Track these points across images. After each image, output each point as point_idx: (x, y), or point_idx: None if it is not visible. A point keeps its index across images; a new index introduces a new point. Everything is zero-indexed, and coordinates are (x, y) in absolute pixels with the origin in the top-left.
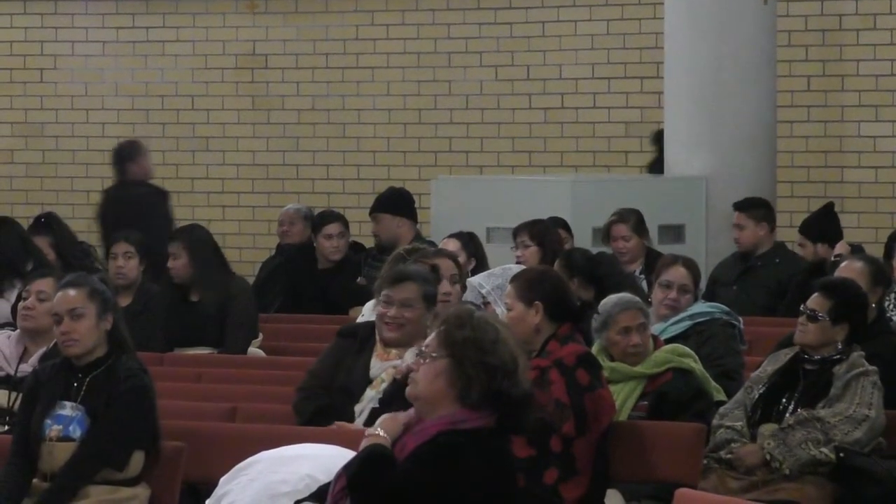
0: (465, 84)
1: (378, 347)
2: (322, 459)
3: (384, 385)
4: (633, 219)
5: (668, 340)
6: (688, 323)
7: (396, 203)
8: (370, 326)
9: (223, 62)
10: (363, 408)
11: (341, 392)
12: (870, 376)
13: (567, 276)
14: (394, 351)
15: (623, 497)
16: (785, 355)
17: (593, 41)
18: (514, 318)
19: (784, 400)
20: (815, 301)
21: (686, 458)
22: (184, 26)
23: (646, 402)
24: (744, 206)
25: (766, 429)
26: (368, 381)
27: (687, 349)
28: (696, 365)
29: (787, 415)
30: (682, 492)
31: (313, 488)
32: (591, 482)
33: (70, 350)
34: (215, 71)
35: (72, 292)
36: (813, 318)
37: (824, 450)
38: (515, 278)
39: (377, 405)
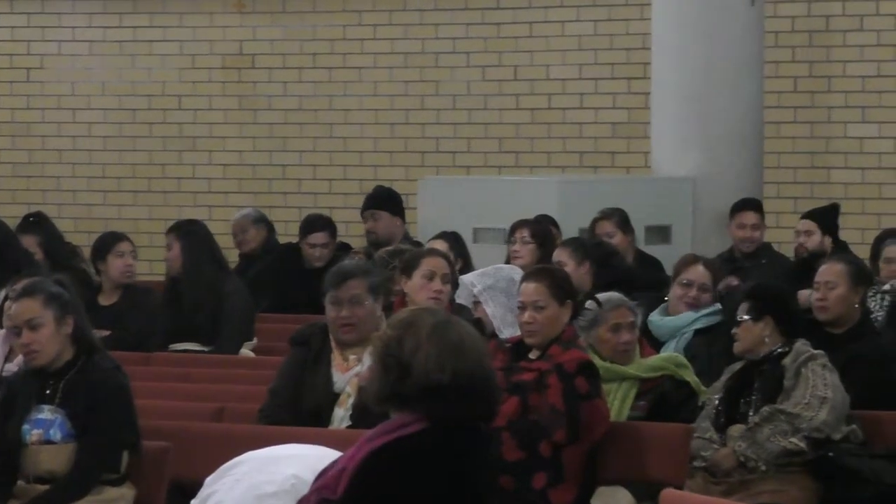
0: (452, 84)
1: (335, 356)
2: (308, 460)
3: (351, 400)
4: (617, 216)
5: (698, 332)
6: (719, 318)
7: (393, 201)
8: (323, 332)
9: (210, 62)
10: (336, 429)
11: (310, 416)
12: (817, 360)
13: (577, 260)
14: (352, 356)
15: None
16: (739, 363)
17: (580, 42)
18: (551, 317)
19: (744, 402)
20: (739, 309)
21: (673, 459)
22: (171, 26)
23: (644, 402)
24: (753, 205)
25: (734, 430)
26: (334, 398)
27: (683, 360)
28: (691, 377)
29: (751, 415)
30: (667, 492)
31: (299, 488)
32: (579, 490)
33: (34, 362)
34: (202, 71)
35: (27, 302)
36: (738, 323)
37: (793, 439)
38: (545, 275)
39: (349, 423)
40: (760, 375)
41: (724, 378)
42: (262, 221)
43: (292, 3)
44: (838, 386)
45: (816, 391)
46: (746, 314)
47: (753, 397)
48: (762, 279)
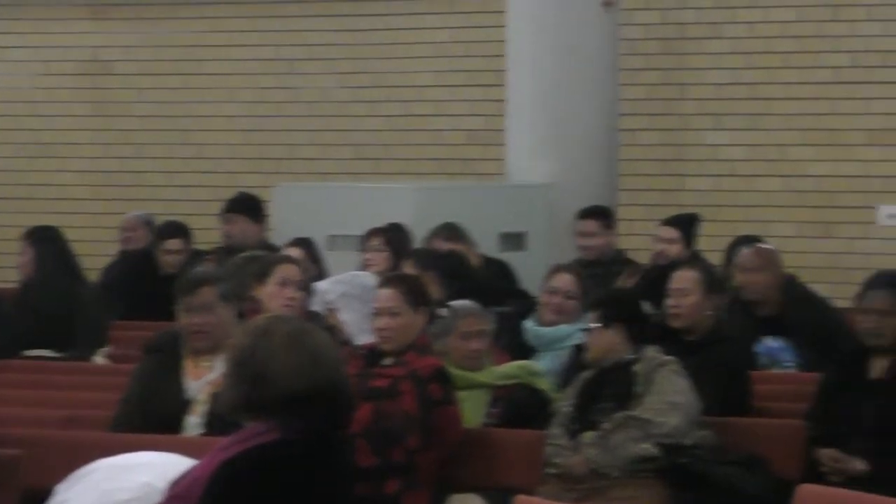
0: (308, 91)
1: (188, 363)
2: (161, 467)
3: (204, 407)
4: (445, 231)
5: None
6: None
7: (252, 207)
8: (176, 339)
9: (64, 68)
10: (189, 437)
11: (163, 423)
12: (668, 366)
13: (420, 271)
14: (205, 363)
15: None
16: (590, 371)
17: (437, 49)
18: (405, 323)
19: (596, 409)
20: (588, 317)
21: (526, 466)
22: (25, 32)
23: (497, 410)
24: (593, 213)
25: (587, 437)
26: (187, 405)
27: (537, 367)
28: (545, 384)
29: (603, 421)
30: (520, 499)
31: (152, 496)
32: (433, 496)
33: None
34: (57, 77)
35: None
36: (588, 331)
37: (645, 445)
38: (399, 282)
39: (203, 430)
40: (612, 382)
41: (575, 385)
42: (152, 225)
43: (148, 10)
44: (689, 391)
45: (668, 397)
46: (596, 322)
47: (605, 404)
48: (618, 286)
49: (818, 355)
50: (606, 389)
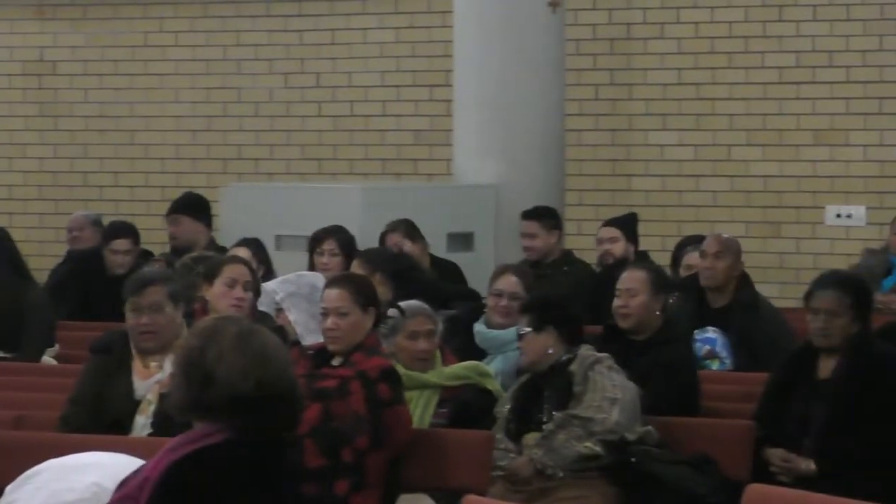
0: (254, 91)
1: (136, 363)
2: (110, 468)
3: (153, 407)
4: (403, 226)
5: None
6: None
7: (197, 207)
8: (124, 339)
9: (10, 69)
10: (137, 437)
11: (111, 424)
12: (603, 362)
13: (369, 272)
14: (153, 363)
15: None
16: (527, 375)
17: (382, 49)
18: (354, 323)
19: (537, 411)
20: (520, 322)
21: (475, 466)
22: None
23: (446, 410)
24: (534, 214)
25: (530, 438)
26: (136, 405)
27: (486, 368)
28: (494, 385)
29: (545, 422)
30: (469, 498)
31: (101, 496)
32: (382, 496)
33: None
34: (2, 77)
35: None
36: (521, 336)
37: (588, 443)
38: (348, 282)
39: (151, 430)
40: (549, 384)
41: (512, 388)
42: (99, 225)
43: (93, 10)
44: (627, 386)
45: (606, 393)
46: (528, 326)
47: (546, 406)
48: (568, 287)
49: (749, 361)
50: (546, 391)
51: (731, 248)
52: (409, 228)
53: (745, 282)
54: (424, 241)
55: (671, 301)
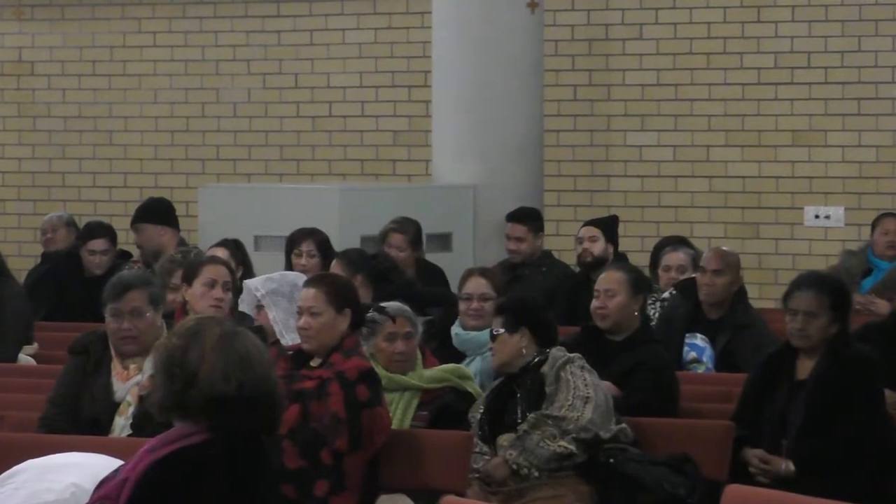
0: (232, 92)
1: (116, 365)
2: (89, 468)
3: (132, 409)
4: (412, 232)
5: None
6: None
7: (157, 212)
8: (102, 340)
9: None
10: (116, 438)
11: (90, 425)
12: (574, 362)
13: (349, 273)
14: (132, 365)
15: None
16: (499, 379)
17: (361, 49)
18: (326, 324)
19: (510, 413)
20: (493, 324)
21: (454, 467)
22: None
23: (426, 413)
24: (522, 217)
25: (504, 440)
26: (115, 406)
27: (466, 371)
28: (474, 388)
29: (519, 422)
30: (447, 499)
31: (80, 497)
32: (361, 497)
33: None
34: None
35: None
36: (494, 337)
37: (562, 442)
38: (323, 282)
39: (130, 431)
40: (522, 385)
41: (485, 393)
42: (73, 226)
43: (71, 11)
44: (599, 385)
45: (578, 392)
46: (501, 328)
47: (519, 407)
48: (546, 287)
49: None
50: (518, 392)
51: (731, 265)
52: (415, 235)
53: (740, 298)
54: (422, 251)
55: (669, 296)
